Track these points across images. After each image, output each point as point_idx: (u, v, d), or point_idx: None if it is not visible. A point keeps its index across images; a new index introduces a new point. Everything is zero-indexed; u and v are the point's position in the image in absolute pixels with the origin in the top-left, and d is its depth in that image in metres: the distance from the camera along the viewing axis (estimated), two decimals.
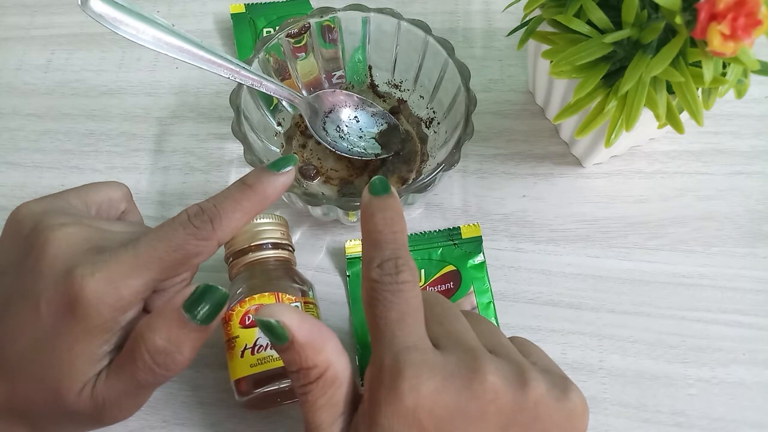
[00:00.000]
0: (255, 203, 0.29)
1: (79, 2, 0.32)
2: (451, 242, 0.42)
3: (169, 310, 0.27)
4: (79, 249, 0.28)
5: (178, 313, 0.27)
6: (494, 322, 0.40)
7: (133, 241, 0.28)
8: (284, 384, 0.33)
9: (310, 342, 0.25)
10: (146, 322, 0.27)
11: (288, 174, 0.30)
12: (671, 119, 0.34)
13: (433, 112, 0.44)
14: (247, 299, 0.34)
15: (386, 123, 0.44)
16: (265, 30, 0.50)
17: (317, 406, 0.25)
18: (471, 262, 0.41)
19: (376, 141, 0.44)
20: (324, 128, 0.43)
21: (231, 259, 0.37)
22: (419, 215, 0.43)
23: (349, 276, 0.41)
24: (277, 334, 0.24)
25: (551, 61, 0.35)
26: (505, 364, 0.25)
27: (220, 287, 0.27)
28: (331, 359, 0.25)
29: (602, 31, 0.33)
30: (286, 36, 0.42)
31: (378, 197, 0.27)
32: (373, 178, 0.28)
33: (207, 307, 0.27)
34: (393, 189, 0.27)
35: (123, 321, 0.28)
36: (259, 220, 0.37)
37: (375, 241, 0.26)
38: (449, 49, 0.40)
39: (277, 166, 0.30)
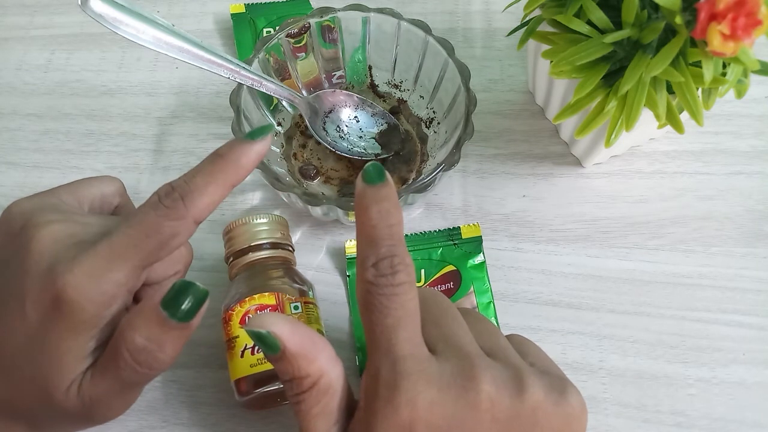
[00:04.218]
0: (228, 174, 0.28)
1: (79, 2, 0.32)
2: (451, 242, 0.42)
3: (147, 308, 0.26)
4: (62, 245, 0.27)
5: (156, 310, 0.26)
6: (494, 322, 0.40)
7: (107, 233, 0.27)
8: None
9: (301, 352, 0.24)
10: (127, 320, 0.27)
11: (263, 142, 0.29)
12: (671, 119, 0.34)
13: (433, 112, 0.44)
14: (247, 299, 0.34)
15: (386, 123, 0.44)
16: (265, 30, 0.50)
17: (311, 414, 0.25)
18: (471, 262, 0.41)
19: (376, 141, 0.44)
20: (324, 128, 0.43)
21: (231, 259, 0.37)
22: (419, 215, 0.43)
23: (349, 276, 0.41)
24: (268, 345, 0.24)
25: (551, 61, 0.35)
26: (502, 370, 0.25)
27: (197, 283, 0.26)
28: (324, 368, 0.25)
29: (602, 31, 0.33)
30: (286, 36, 0.42)
31: (372, 186, 0.25)
32: (366, 165, 0.26)
33: (185, 304, 0.26)
34: (388, 176, 0.26)
35: (108, 315, 0.27)
36: (258, 220, 0.37)
37: (369, 236, 0.25)
38: (449, 49, 0.40)
39: (252, 135, 0.29)
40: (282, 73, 0.43)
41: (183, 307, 0.26)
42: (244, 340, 0.34)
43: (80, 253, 0.27)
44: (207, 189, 0.27)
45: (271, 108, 0.44)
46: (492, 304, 0.40)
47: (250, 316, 0.34)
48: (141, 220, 0.27)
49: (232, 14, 0.51)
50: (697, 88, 0.33)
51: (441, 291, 0.40)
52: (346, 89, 0.45)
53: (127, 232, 0.27)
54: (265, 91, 0.39)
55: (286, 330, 0.24)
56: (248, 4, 0.51)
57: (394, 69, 0.45)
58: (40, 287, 0.26)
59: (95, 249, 0.27)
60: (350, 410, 0.26)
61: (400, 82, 0.46)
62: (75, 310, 0.26)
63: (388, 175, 0.26)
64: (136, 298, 0.30)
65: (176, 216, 0.27)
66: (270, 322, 0.24)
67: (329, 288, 0.41)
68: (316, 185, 0.43)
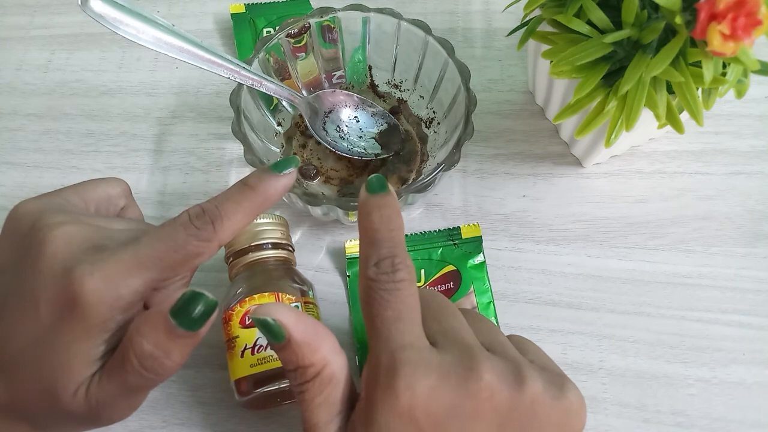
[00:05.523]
0: (256, 204, 0.29)
1: (79, 2, 0.32)
2: (451, 242, 0.42)
3: (156, 316, 0.26)
4: (77, 248, 0.27)
5: (164, 318, 0.26)
6: (494, 322, 0.40)
7: (133, 241, 0.28)
8: (284, 384, 0.33)
9: (306, 341, 0.25)
10: (135, 326, 0.27)
11: (289, 176, 0.30)
12: (671, 119, 0.34)
13: (433, 112, 0.44)
14: (247, 299, 0.34)
15: (386, 123, 0.44)
16: (265, 30, 0.50)
17: (314, 404, 0.25)
18: (471, 262, 0.41)
19: (376, 141, 0.44)
20: (324, 128, 0.43)
21: (231, 259, 0.37)
22: (419, 215, 0.43)
23: (349, 276, 0.41)
24: (273, 333, 0.24)
25: (551, 61, 0.35)
26: (502, 362, 0.25)
27: (207, 294, 0.26)
28: (328, 358, 0.25)
29: (602, 31, 0.33)
30: (286, 36, 0.42)
31: (375, 195, 0.27)
32: (370, 176, 0.28)
33: (194, 314, 0.26)
34: (390, 187, 0.28)
35: (121, 321, 0.27)
36: (259, 220, 0.37)
37: (372, 239, 0.26)
38: (449, 49, 0.40)
39: (278, 167, 0.30)
40: (282, 73, 0.43)
41: (191, 316, 0.26)
42: (244, 340, 0.34)
43: (100, 258, 0.27)
44: (235, 216, 0.29)
45: (271, 108, 0.44)
46: (492, 304, 0.40)
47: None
48: (170, 236, 0.28)
49: (232, 14, 0.51)
50: (697, 88, 0.33)
51: (441, 291, 0.40)
52: (346, 89, 0.45)
53: (154, 245, 0.27)
54: (265, 91, 0.39)
55: (291, 319, 0.24)
56: (248, 4, 0.51)
57: (394, 69, 0.45)
58: (56, 288, 0.26)
59: (119, 255, 0.27)
60: (353, 401, 0.26)
61: (400, 82, 0.46)
62: (89, 313, 0.26)
63: (390, 186, 0.27)
64: (144, 303, 0.30)
65: (205, 238, 0.28)
66: (276, 310, 0.24)
67: (329, 288, 0.41)
68: (316, 185, 0.43)
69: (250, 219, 0.30)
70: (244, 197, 0.29)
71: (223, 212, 0.28)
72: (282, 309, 0.25)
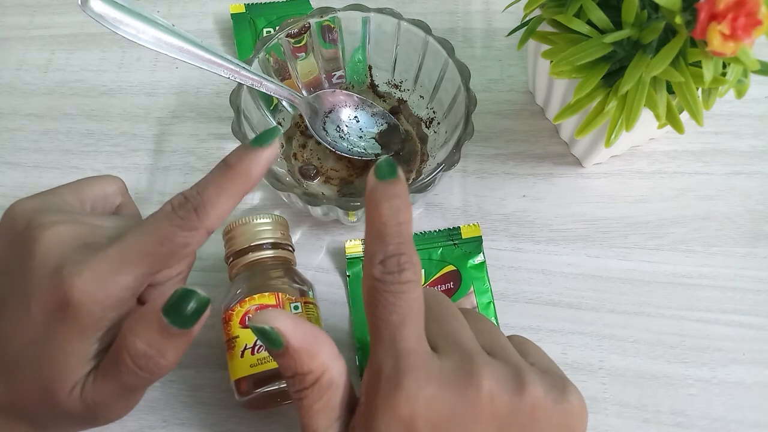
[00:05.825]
0: (239, 185, 0.28)
1: (79, 2, 0.32)
2: (451, 242, 0.42)
3: (148, 314, 0.26)
4: (69, 247, 0.27)
5: (157, 317, 0.26)
6: (494, 322, 0.40)
7: (119, 237, 0.27)
8: (284, 384, 0.33)
9: (304, 347, 0.24)
10: (128, 325, 0.26)
11: (271, 148, 0.28)
12: (671, 119, 0.34)
13: (433, 112, 0.44)
14: (247, 299, 0.34)
15: (386, 123, 0.44)
16: (265, 30, 0.50)
17: (313, 410, 0.25)
18: (471, 262, 0.41)
19: (376, 141, 0.44)
20: (324, 128, 0.43)
21: (231, 259, 0.37)
22: (419, 215, 0.43)
23: (349, 276, 0.41)
24: (271, 340, 0.24)
25: (551, 61, 0.35)
26: (502, 367, 0.25)
27: (199, 291, 0.26)
28: (327, 364, 0.25)
29: (602, 31, 0.33)
30: (286, 36, 0.42)
31: (384, 182, 0.25)
32: (379, 160, 0.26)
33: (186, 312, 0.26)
34: (400, 172, 0.26)
35: (114, 318, 0.27)
36: (259, 220, 0.37)
37: (379, 233, 0.25)
38: (449, 49, 0.40)
39: (259, 141, 0.28)
40: (282, 73, 0.43)
41: (184, 313, 0.26)
42: (244, 340, 0.34)
43: (89, 256, 0.27)
44: (219, 200, 0.27)
45: (271, 108, 0.44)
46: (492, 304, 0.40)
47: (250, 316, 0.34)
48: (155, 229, 0.27)
49: (232, 14, 0.51)
50: (697, 88, 0.33)
51: (441, 291, 0.40)
52: (346, 89, 0.45)
53: (139, 240, 0.27)
54: (265, 91, 0.39)
55: (289, 326, 0.24)
56: (248, 4, 0.51)
57: (394, 69, 0.45)
58: (46, 288, 0.26)
59: (105, 253, 0.27)
60: (352, 406, 0.26)
61: (400, 82, 0.46)
62: (81, 313, 0.26)
63: (400, 171, 0.26)
64: (140, 300, 0.30)
65: (189, 227, 0.27)
66: (273, 317, 0.24)
67: (329, 288, 0.41)
68: (316, 185, 0.43)
69: (235, 201, 0.28)
70: (225, 179, 0.28)
71: (206, 198, 0.27)
72: (279, 316, 0.24)
